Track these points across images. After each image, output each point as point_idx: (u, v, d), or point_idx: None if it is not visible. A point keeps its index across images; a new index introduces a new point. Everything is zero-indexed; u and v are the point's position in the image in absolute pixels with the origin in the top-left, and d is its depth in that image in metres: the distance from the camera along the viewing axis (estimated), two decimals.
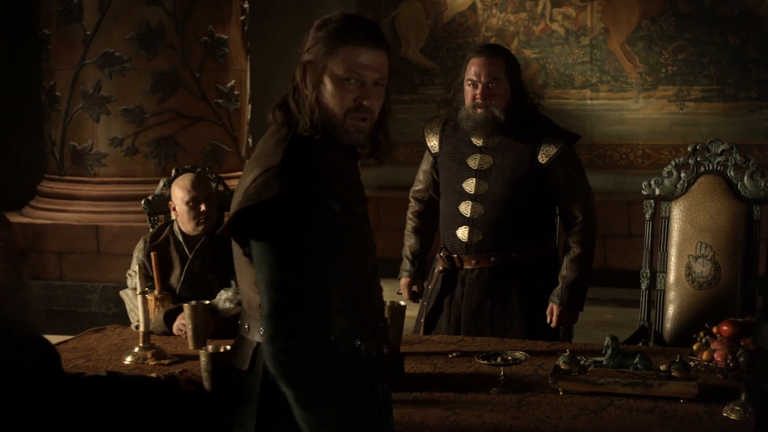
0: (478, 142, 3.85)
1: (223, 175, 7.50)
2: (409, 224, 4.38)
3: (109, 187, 7.61)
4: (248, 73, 8.07)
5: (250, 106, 8.12)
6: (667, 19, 9.26)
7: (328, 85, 2.14)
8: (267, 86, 8.76)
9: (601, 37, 9.40)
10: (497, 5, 9.69)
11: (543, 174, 3.98)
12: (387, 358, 2.33)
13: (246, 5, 7.90)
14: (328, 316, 2.09)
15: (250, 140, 8.00)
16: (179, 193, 3.87)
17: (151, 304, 3.36)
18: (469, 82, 3.77)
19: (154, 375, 2.82)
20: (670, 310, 3.93)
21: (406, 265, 4.26)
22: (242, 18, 7.85)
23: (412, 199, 4.31)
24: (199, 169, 4.22)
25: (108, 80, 7.47)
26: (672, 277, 3.99)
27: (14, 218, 7.34)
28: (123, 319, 7.19)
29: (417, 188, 4.30)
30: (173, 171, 4.34)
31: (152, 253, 3.50)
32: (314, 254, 2.06)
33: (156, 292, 3.43)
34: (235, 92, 7.81)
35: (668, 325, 3.88)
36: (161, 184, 4.34)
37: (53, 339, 6.63)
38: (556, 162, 3.81)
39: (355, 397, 2.14)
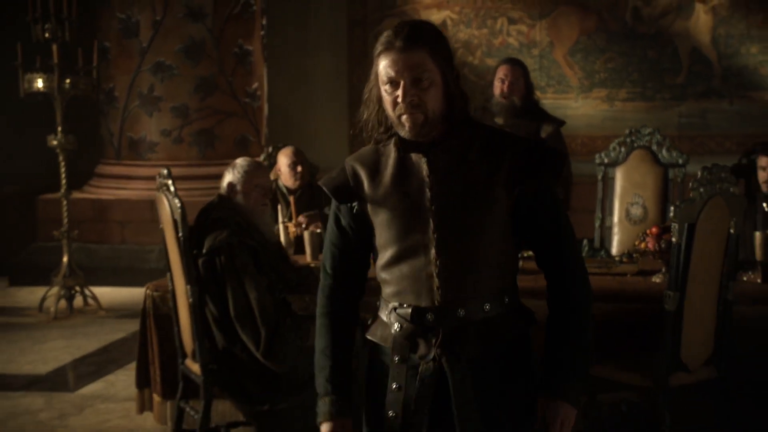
0: (499, 120, 5.61)
1: None
2: None
3: (161, 169, 8.82)
4: (266, 77, 9.37)
5: (267, 104, 9.40)
6: (600, 36, 10.45)
7: (382, 93, 2.27)
8: (279, 88, 10.03)
9: (547, 49, 10.51)
10: (464, 22, 10.70)
11: None
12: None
13: (264, 22, 9.33)
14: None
15: (266, 132, 9.42)
16: (284, 159, 5.47)
17: (291, 228, 5.03)
18: (498, 80, 5.64)
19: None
20: (615, 239, 5.74)
21: None
22: (262, 33, 9.19)
23: None
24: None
25: (159, 84, 8.70)
26: (616, 218, 5.77)
27: (79, 195, 8.64)
28: None
29: None
30: (270, 148, 5.97)
31: (291, 198, 5.20)
32: (327, 235, 2.45)
33: (294, 222, 5.11)
34: (257, 93, 9.12)
35: (614, 246, 5.65)
36: (262, 156, 6.00)
37: (120, 291, 7.99)
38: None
39: None
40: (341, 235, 2.40)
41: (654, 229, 4.49)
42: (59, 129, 7.45)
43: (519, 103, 5.58)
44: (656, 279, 4.37)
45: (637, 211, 5.67)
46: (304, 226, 5.05)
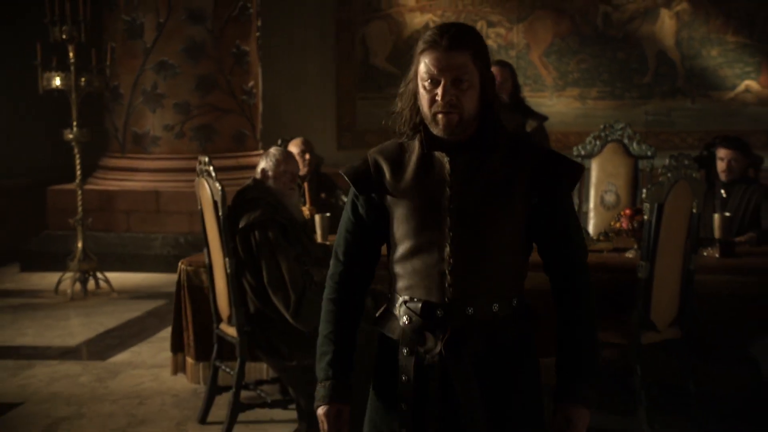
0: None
1: (242, 153, 9.51)
2: None
3: (164, 162, 9.16)
4: (260, 76, 9.74)
5: (261, 102, 9.76)
6: (573, 39, 10.91)
7: (419, 89, 2.30)
8: (273, 86, 10.40)
9: (524, 51, 10.95)
10: None
11: None
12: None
13: (259, 23, 9.74)
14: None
15: (261, 128, 9.78)
16: (294, 149, 5.94)
17: (305, 211, 5.56)
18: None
19: None
20: (591, 223, 6.34)
21: None
22: (257, 34, 9.58)
23: None
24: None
25: (162, 82, 9.08)
26: (591, 204, 6.35)
27: (86, 186, 8.83)
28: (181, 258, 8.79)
29: None
30: (279, 141, 6.49)
31: (304, 184, 5.75)
32: (342, 222, 2.47)
33: (308, 205, 5.67)
34: (253, 91, 9.50)
35: (591, 228, 6.22)
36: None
37: (127, 275, 8.40)
38: None
39: None
40: (357, 224, 2.42)
41: (627, 211, 5.09)
42: (74, 123, 7.88)
43: (507, 100, 6.17)
44: (629, 254, 4.95)
45: (610, 197, 6.26)
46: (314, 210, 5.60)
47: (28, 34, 8.41)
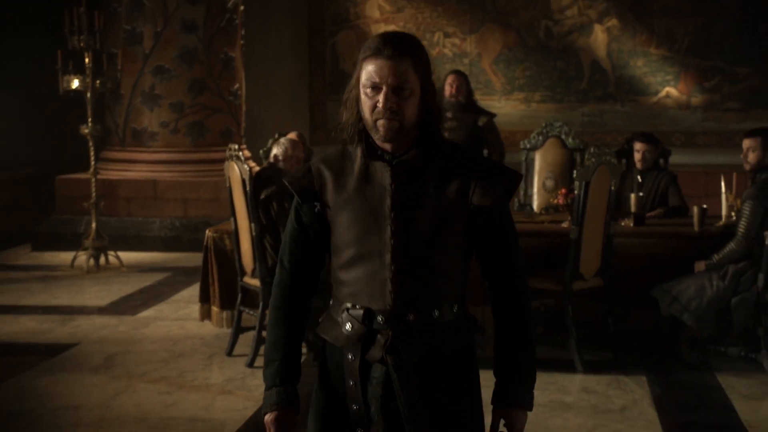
0: (448, 114, 7.17)
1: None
2: None
3: (160, 154, 9.97)
4: (244, 79, 10.47)
5: (245, 103, 10.51)
6: (519, 49, 11.55)
7: (361, 96, 2.25)
8: (254, 88, 10.97)
9: (476, 59, 11.57)
10: None
11: None
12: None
13: (243, 32, 10.60)
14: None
15: (245, 125, 10.51)
16: (287, 142, 7.13)
17: None
18: (448, 85, 7.27)
19: None
20: (535, 203, 7.49)
21: None
22: (241, 42, 10.38)
23: None
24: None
25: (159, 84, 9.90)
26: (535, 188, 7.45)
27: (88, 175, 9.53)
28: (178, 241, 9.67)
29: None
30: (276, 135, 7.57)
31: None
32: (287, 232, 2.43)
33: None
34: (239, 92, 10.29)
35: (534, 207, 7.31)
36: (270, 142, 7.61)
37: (131, 254, 9.33)
38: None
39: None
40: (301, 233, 2.38)
41: (563, 190, 6.33)
42: (89, 120, 8.84)
43: (463, 101, 7.35)
44: (564, 224, 6.09)
45: (550, 183, 7.38)
46: None
47: (38, 42, 9.24)
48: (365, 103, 2.24)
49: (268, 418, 2.37)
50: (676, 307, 5.53)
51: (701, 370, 5.57)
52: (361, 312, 2.29)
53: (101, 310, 7.24)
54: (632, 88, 11.49)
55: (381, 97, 2.20)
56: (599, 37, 11.49)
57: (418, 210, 2.28)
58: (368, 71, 2.22)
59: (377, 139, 2.26)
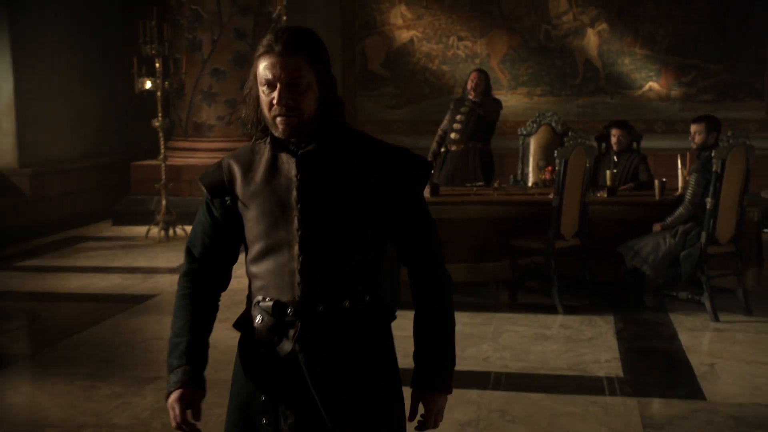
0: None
1: None
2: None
3: (217, 143, 10.54)
4: None
5: None
6: (522, 50, 11.75)
7: (260, 93, 2.06)
8: None
9: (485, 59, 11.75)
10: (426, 39, 11.87)
11: None
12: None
13: None
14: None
15: None
16: None
17: None
18: (471, 81, 7.89)
19: None
20: (530, 180, 8.13)
21: None
22: None
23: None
24: None
25: (216, 84, 10.52)
26: (530, 167, 8.08)
27: (158, 162, 10.13)
28: None
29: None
30: None
31: None
32: (197, 223, 2.23)
33: None
34: None
35: (529, 182, 7.96)
36: None
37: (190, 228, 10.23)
38: None
39: None
40: (213, 226, 2.18)
41: (549, 168, 7.06)
42: (160, 115, 9.60)
43: (481, 94, 7.92)
44: (550, 196, 6.80)
45: (542, 163, 7.90)
46: None
47: (118, 50, 9.97)
48: (263, 101, 2.06)
49: (172, 397, 2.10)
50: (637, 260, 6.20)
51: (657, 311, 6.24)
52: (271, 304, 2.11)
53: (172, 270, 7.95)
54: (620, 83, 11.65)
55: (275, 94, 2.02)
56: (591, 39, 11.66)
57: (325, 200, 2.09)
58: (262, 68, 2.04)
59: (278, 135, 2.07)
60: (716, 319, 5.94)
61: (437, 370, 2.16)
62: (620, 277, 6.47)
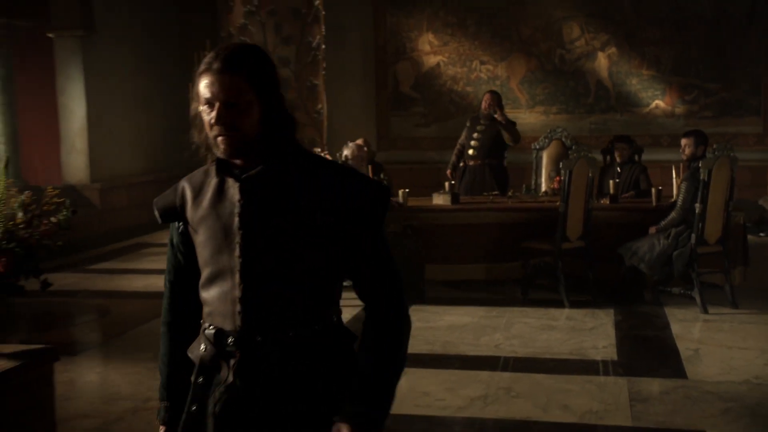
0: (485, 122, 8.12)
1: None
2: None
3: None
4: (325, 102, 11.18)
5: (326, 119, 11.24)
6: (539, 72, 11.92)
7: (201, 113, 1.87)
8: (333, 107, 11.81)
9: (506, 81, 11.95)
10: (452, 63, 12.05)
11: None
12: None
13: (324, 65, 11.51)
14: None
15: (326, 136, 11.34)
16: (359, 143, 8.21)
17: None
18: (485, 101, 8.14)
19: None
20: (542, 189, 8.46)
21: None
22: (323, 72, 11.24)
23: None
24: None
25: None
26: (543, 178, 8.40)
27: None
28: None
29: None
30: (348, 142, 8.67)
31: (369, 167, 8.03)
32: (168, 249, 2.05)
33: (370, 175, 7.92)
34: (321, 110, 11.10)
35: (542, 191, 8.35)
36: (344, 150, 8.73)
37: None
38: None
39: None
40: (174, 252, 2.03)
41: (557, 178, 7.36)
42: None
43: (494, 113, 8.26)
44: (557, 203, 7.14)
45: (553, 174, 8.14)
46: None
47: (176, 78, 10.40)
48: (204, 120, 1.86)
49: (161, 430, 2.10)
50: (635, 260, 6.48)
51: (653, 304, 6.51)
52: (213, 332, 1.91)
53: None
54: (629, 101, 11.78)
55: (214, 114, 1.82)
56: (602, 62, 11.77)
57: (270, 226, 1.86)
58: (202, 87, 1.84)
59: (219, 155, 1.87)
60: (705, 311, 6.21)
61: (364, 410, 1.85)
62: (620, 275, 6.70)
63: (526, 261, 6.81)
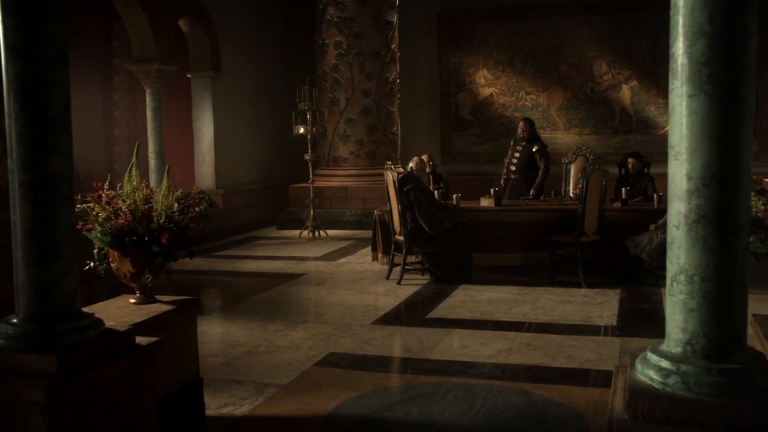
0: (519, 147, 8.53)
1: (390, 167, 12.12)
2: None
3: (349, 171, 11.44)
4: (399, 125, 11.86)
5: (400, 139, 11.94)
6: (573, 101, 12.19)
7: None
8: (405, 130, 12.39)
9: (546, 108, 12.28)
10: (502, 93, 12.39)
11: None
12: None
13: (399, 96, 12.08)
14: None
15: (400, 153, 12.16)
16: (424, 158, 8.72)
17: (431, 187, 8.33)
18: (519, 128, 8.52)
19: None
20: (570, 195, 8.83)
21: None
22: (398, 101, 11.88)
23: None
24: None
25: (349, 128, 11.37)
26: (570, 186, 8.80)
27: (308, 184, 11.04)
28: (359, 223, 11.13)
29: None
30: (414, 156, 9.21)
31: (429, 176, 8.53)
32: None
33: (431, 185, 8.42)
34: (396, 132, 11.72)
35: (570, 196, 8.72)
36: (410, 163, 9.26)
37: (332, 231, 11.17)
38: None
39: None
40: None
41: (579, 185, 7.73)
42: (309, 151, 10.59)
43: (527, 136, 8.67)
44: (576, 205, 7.50)
45: (581, 184, 8.61)
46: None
47: (281, 106, 11.09)
48: None
49: None
50: (638, 250, 6.77)
51: (652, 286, 6.76)
52: None
53: (317, 258, 8.87)
54: (648, 124, 11.91)
55: None
56: (625, 92, 11.94)
57: None
58: None
59: None
60: None
61: None
62: (627, 262, 6.95)
63: (553, 251, 7.11)
